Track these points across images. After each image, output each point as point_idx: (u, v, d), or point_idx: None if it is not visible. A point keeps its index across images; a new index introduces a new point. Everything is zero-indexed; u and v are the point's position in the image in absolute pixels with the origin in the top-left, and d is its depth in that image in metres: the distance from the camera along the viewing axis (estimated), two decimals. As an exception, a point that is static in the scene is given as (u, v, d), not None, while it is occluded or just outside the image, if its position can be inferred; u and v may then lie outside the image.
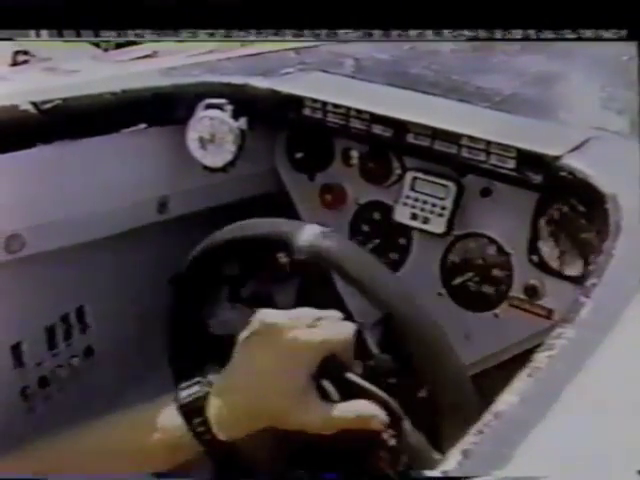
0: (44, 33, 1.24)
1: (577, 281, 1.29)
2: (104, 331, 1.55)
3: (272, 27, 1.23)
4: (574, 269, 1.34)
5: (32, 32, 1.25)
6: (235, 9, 1.21)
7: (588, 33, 1.18)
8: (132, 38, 1.23)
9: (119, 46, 2.95)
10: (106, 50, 3.30)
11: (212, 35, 1.29)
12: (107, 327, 1.56)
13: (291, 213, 1.66)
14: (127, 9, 1.21)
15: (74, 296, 1.51)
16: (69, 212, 1.37)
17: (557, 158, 1.22)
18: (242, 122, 1.43)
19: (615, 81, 1.58)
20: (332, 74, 1.58)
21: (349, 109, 1.41)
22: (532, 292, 1.40)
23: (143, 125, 1.44)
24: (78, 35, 1.22)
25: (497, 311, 1.45)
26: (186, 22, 1.23)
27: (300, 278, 1.86)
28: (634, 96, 1.44)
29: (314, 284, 1.82)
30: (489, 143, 1.28)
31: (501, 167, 1.28)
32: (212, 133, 1.42)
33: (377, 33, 1.22)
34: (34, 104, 1.33)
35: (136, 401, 1.61)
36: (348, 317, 1.62)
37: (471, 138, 1.30)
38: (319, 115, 1.44)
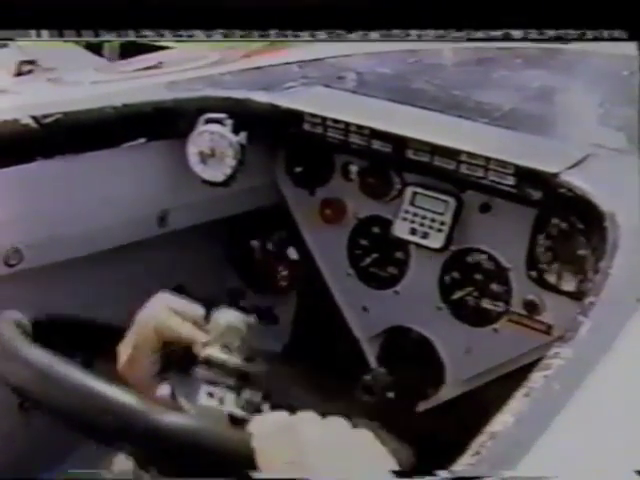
0: (44, 33, 1.24)
1: (576, 297, 1.29)
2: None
3: (272, 28, 1.24)
4: (572, 285, 1.34)
5: (32, 32, 1.25)
6: (236, 10, 1.22)
7: (588, 33, 1.18)
8: (132, 38, 1.24)
9: (123, 55, 2.97)
10: (110, 60, 3.32)
11: (212, 35, 1.29)
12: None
13: (290, 227, 1.67)
14: (128, 9, 1.21)
15: (73, 310, 1.51)
16: (69, 226, 1.37)
17: (556, 175, 1.22)
18: (242, 137, 1.43)
19: (614, 97, 1.58)
20: (334, 89, 1.59)
21: (349, 124, 1.41)
22: (531, 307, 1.40)
23: (143, 139, 1.44)
24: (79, 35, 1.22)
25: (496, 326, 1.45)
26: (187, 22, 1.23)
27: (301, 293, 1.87)
28: (633, 112, 1.44)
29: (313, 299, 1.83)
30: (488, 159, 1.29)
31: (500, 183, 1.29)
32: (212, 147, 1.42)
33: (377, 34, 1.23)
34: (34, 118, 1.34)
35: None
36: (347, 330, 1.64)
37: (470, 154, 1.30)
38: (319, 130, 1.44)
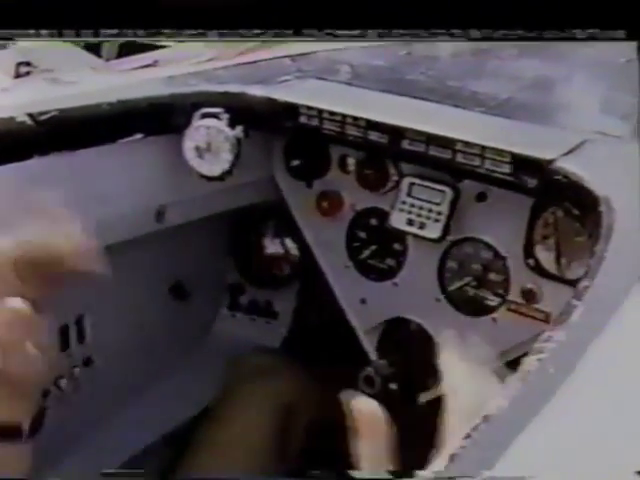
0: (44, 33, 1.24)
1: (574, 284, 1.29)
2: (104, 341, 1.56)
3: (271, 28, 1.24)
4: (570, 272, 1.34)
5: (32, 32, 1.25)
6: (235, 10, 1.22)
7: (588, 33, 1.18)
8: (132, 38, 1.24)
9: (121, 55, 2.97)
10: (108, 60, 3.33)
11: (212, 35, 1.29)
12: (107, 337, 1.56)
13: (287, 221, 1.67)
14: (127, 9, 1.21)
15: (73, 306, 1.51)
16: None
17: (551, 162, 1.22)
18: (238, 131, 1.43)
19: (612, 84, 1.58)
20: (328, 81, 1.59)
21: (345, 116, 1.41)
22: (529, 296, 1.40)
23: (140, 135, 1.44)
24: (78, 35, 1.23)
25: (495, 315, 1.45)
26: (186, 22, 1.23)
27: (300, 287, 1.88)
28: (631, 99, 1.44)
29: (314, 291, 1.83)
30: (484, 148, 1.28)
31: (496, 172, 1.29)
32: (208, 142, 1.42)
33: (375, 33, 1.23)
34: (31, 116, 1.34)
35: (136, 411, 1.63)
36: (347, 325, 1.64)
37: (466, 143, 1.30)
38: (315, 122, 1.45)
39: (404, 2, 1.22)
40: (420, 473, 0.65)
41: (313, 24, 1.22)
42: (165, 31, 1.24)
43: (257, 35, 1.24)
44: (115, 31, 1.22)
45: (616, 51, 1.66)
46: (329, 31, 1.23)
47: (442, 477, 0.64)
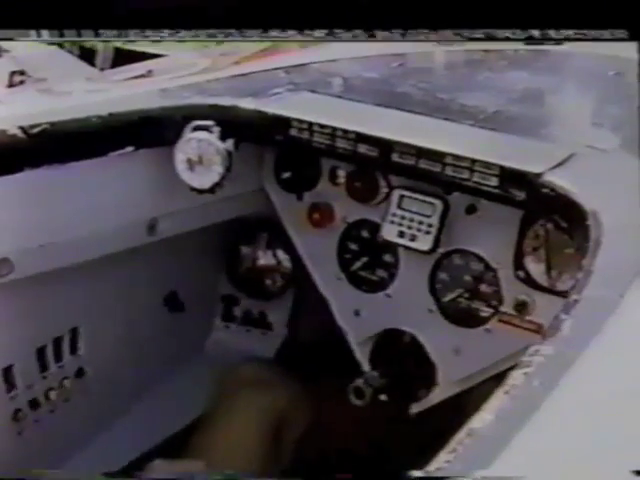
0: (45, 33, 1.25)
1: (565, 296, 1.29)
2: (96, 352, 1.56)
3: (269, 27, 1.24)
4: (561, 284, 1.35)
5: (32, 32, 1.26)
6: (235, 10, 1.22)
7: (589, 33, 1.18)
8: (132, 38, 1.24)
9: (116, 64, 2.98)
10: (102, 69, 3.33)
11: (211, 35, 1.30)
12: (99, 348, 1.56)
13: (279, 233, 1.67)
14: (128, 10, 1.22)
15: (67, 318, 1.52)
16: (58, 235, 1.38)
17: (539, 175, 1.22)
18: (229, 143, 1.44)
19: (599, 98, 1.59)
20: (320, 94, 1.59)
21: (335, 129, 1.42)
22: (521, 307, 1.41)
23: (131, 148, 1.45)
24: (78, 35, 1.23)
25: (488, 326, 1.46)
26: (186, 22, 1.23)
27: (293, 298, 1.88)
28: (619, 112, 1.45)
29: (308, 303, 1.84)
30: (473, 161, 1.29)
31: (485, 184, 1.29)
32: (199, 155, 1.43)
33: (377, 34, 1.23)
34: (22, 128, 1.34)
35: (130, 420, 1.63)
36: (341, 336, 1.64)
37: (455, 156, 1.31)
38: (306, 135, 1.45)
39: (404, 3, 1.23)
40: (412, 473, 0.65)
41: (313, 25, 1.22)
42: (164, 32, 1.24)
43: (257, 35, 1.25)
44: (115, 32, 1.23)
45: (604, 65, 1.67)
46: (329, 32, 1.23)
47: (434, 476, 0.64)
